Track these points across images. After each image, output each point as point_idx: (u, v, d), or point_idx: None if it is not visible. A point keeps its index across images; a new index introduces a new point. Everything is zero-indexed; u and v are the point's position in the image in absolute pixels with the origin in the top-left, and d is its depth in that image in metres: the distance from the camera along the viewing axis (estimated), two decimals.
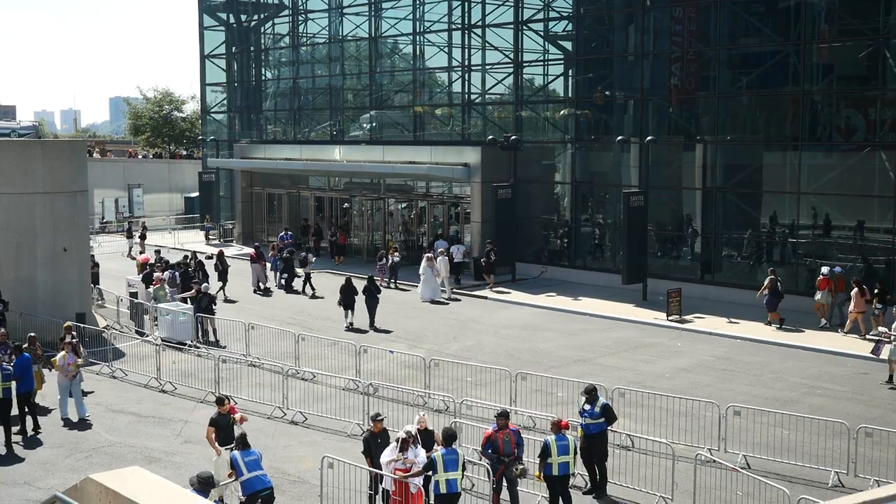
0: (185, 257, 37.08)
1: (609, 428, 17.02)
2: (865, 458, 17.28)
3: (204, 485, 12.75)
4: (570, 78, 41.57)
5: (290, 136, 53.01)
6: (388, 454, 14.91)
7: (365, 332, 30.01)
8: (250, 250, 39.75)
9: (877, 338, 24.29)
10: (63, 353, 21.49)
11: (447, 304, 34.97)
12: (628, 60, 38.80)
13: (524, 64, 41.87)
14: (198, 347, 26.94)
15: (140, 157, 78.56)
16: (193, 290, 30.48)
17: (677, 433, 18.66)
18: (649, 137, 33.88)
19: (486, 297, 35.35)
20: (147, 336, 28.56)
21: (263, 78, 57.04)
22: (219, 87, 58.98)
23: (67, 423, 20.92)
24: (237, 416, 16.78)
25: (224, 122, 58.91)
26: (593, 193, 40.52)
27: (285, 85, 55.01)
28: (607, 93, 39.71)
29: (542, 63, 43.56)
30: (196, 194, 60.07)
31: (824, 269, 29.31)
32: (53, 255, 28.96)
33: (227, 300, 35.13)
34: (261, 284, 37.77)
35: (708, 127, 35.88)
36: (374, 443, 15.50)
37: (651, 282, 33.50)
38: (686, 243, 37.23)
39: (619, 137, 35.84)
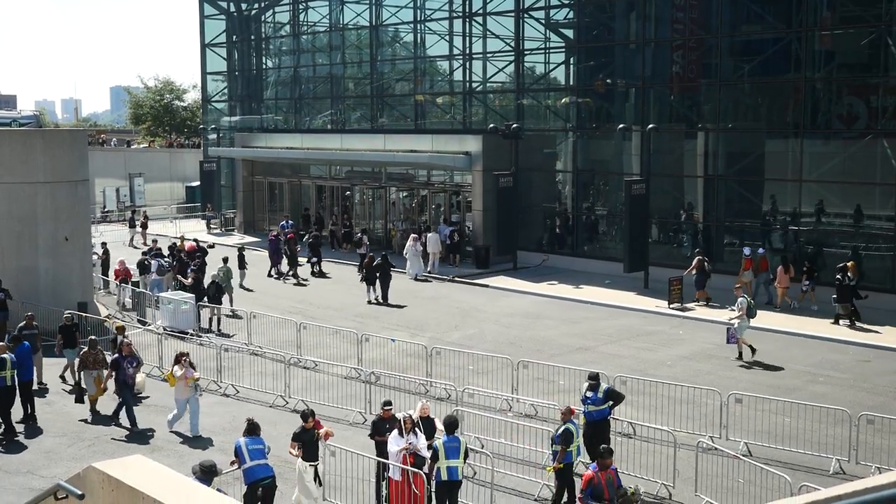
0: (174, 245, 37.42)
1: (611, 415, 17.03)
2: (867, 445, 17.29)
3: (206, 473, 12.77)
4: (571, 66, 41.50)
5: (291, 124, 52.97)
6: (395, 442, 14.95)
7: (379, 304, 32.47)
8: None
9: (727, 325, 25.08)
10: (178, 365, 19.64)
11: (430, 281, 36.41)
12: (630, 48, 38.71)
13: (525, 52, 41.78)
14: (200, 336, 26.98)
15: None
16: (190, 279, 30.74)
17: (679, 421, 18.68)
18: (651, 125, 33.82)
19: (487, 286, 35.39)
20: (149, 325, 28.60)
21: (264, 67, 56.96)
22: (219, 76, 58.89)
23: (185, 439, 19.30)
24: (322, 431, 15.61)
25: (225, 111, 58.85)
26: (595, 182, 40.48)
27: (286, 74, 54.95)
28: (608, 81, 39.62)
29: (543, 51, 43.48)
30: (197, 183, 60.06)
31: (746, 251, 30.99)
32: (55, 244, 28.96)
33: (298, 283, 37.03)
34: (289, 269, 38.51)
35: (709, 115, 35.84)
36: (382, 427, 15.75)
37: (652, 270, 33.47)
38: (687, 231, 37.21)
39: (621, 125, 35.80)
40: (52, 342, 24.07)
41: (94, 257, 34.57)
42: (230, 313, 30.26)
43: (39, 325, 27.09)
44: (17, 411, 20.21)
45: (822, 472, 16.76)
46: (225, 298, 30.79)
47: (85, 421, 20.49)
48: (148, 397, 21.86)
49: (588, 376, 17.30)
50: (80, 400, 21.28)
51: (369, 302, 32.81)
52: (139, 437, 19.46)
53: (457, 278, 36.64)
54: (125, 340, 21.46)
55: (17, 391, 20.14)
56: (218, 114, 59.55)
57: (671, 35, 37.23)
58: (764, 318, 28.81)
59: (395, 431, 15.06)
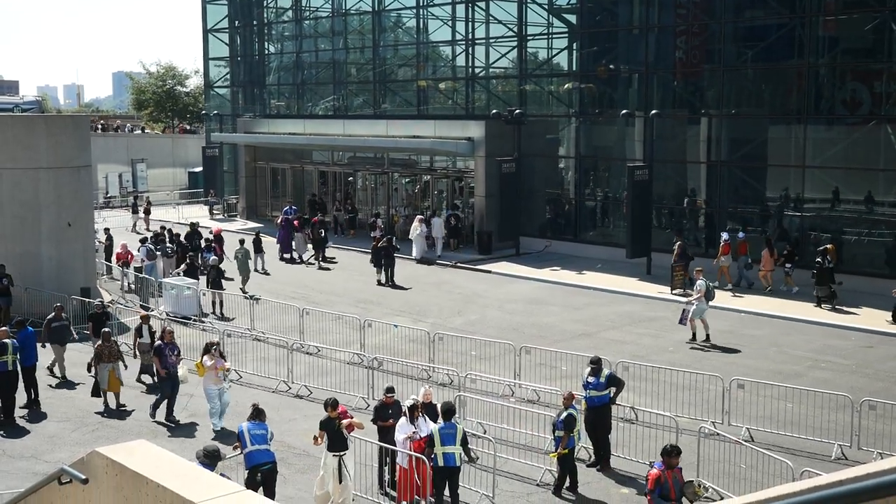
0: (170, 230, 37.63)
1: (615, 400, 17.04)
2: (869, 430, 17.32)
3: (210, 458, 12.81)
4: (574, 51, 41.36)
5: (294, 110, 52.91)
6: (402, 430, 14.95)
7: (384, 286, 33.32)
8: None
9: (683, 306, 25.44)
10: (208, 355, 18.83)
11: (433, 265, 36.89)
12: (633, 34, 38.59)
13: (528, 37, 41.67)
14: (202, 322, 27.02)
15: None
16: (184, 265, 31.20)
17: (681, 406, 18.71)
18: (654, 111, 33.77)
19: (489, 272, 35.42)
20: (152, 310, 28.64)
21: (266, 52, 56.84)
22: (222, 61, 58.77)
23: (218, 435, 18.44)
24: (345, 422, 14.91)
25: (227, 96, 58.79)
26: (597, 167, 40.43)
27: (288, 59, 54.84)
28: (612, 66, 39.52)
29: (546, 36, 43.35)
30: (200, 169, 60.05)
31: (724, 235, 31.47)
32: (58, 229, 28.99)
33: (320, 267, 37.33)
34: (299, 255, 39.03)
35: (713, 100, 35.75)
36: (385, 412, 15.81)
37: (655, 256, 33.44)
38: (690, 217, 37.18)
39: (624, 111, 35.72)
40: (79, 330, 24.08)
41: (97, 243, 34.66)
42: (246, 294, 30.65)
43: (43, 311, 27.18)
44: (20, 397, 20.27)
45: (824, 458, 16.80)
46: (229, 283, 30.94)
47: (101, 414, 20.03)
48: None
49: (590, 361, 17.33)
50: (96, 393, 20.53)
51: (379, 283, 33.47)
52: (142, 422, 19.50)
53: (459, 264, 36.66)
54: (167, 328, 20.90)
55: (20, 376, 20.18)
56: (220, 99, 59.47)
57: (674, 20, 37.12)
58: (759, 303, 28.88)
59: (403, 419, 15.06)
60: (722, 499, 15.00)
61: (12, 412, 19.67)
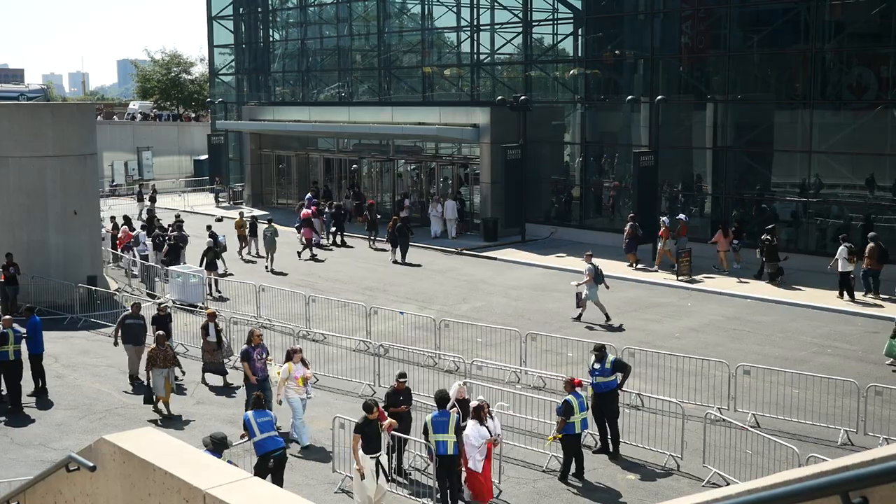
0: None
1: (622, 386, 17.04)
2: (875, 416, 17.30)
3: (217, 445, 12.86)
4: (579, 37, 41.24)
5: (299, 97, 52.87)
6: (476, 435, 14.50)
7: (401, 264, 34.62)
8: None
9: (576, 288, 26.36)
10: (289, 363, 17.46)
11: (452, 238, 38.57)
12: (638, 19, 38.46)
13: (533, 23, 41.55)
14: (208, 309, 27.03)
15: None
16: (165, 248, 31.70)
17: (687, 392, 18.72)
18: (659, 97, 33.68)
19: (495, 258, 35.42)
20: (158, 298, 28.70)
21: (271, 39, 56.77)
22: (227, 48, 58.73)
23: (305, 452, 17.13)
24: (385, 423, 14.57)
25: (232, 83, 58.75)
26: (603, 153, 40.36)
27: (293, 46, 54.76)
28: (617, 52, 39.40)
29: (551, 22, 43.21)
30: (205, 157, 60.09)
31: (665, 220, 32.36)
32: (64, 218, 29.03)
33: (377, 249, 38.16)
34: (319, 240, 39.34)
35: (718, 86, 35.64)
36: (396, 399, 15.85)
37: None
38: (696, 203, 37.12)
39: (629, 97, 35.63)
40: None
41: (104, 231, 34.73)
42: (270, 272, 32.82)
43: (51, 300, 27.27)
44: (28, 385, 20.33)
45: (830, 444, 16.80)
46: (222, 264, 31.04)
47: (155, 423, 18.57)
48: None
49: (594, 348, 17.35)
50: (149, 401, 19.37)
51: (395, 262, 34.79)
52: (148, 410, 19.51)
53: (465, 251, 36.67)
54: (256, 331, 19.04)
55: (24, 365, 20.18)
56: (225, 87, 59.43)
57: (680, 5, 36.99)
58: (765, 290, 28.88)
59: (473, 423, 14.57)
60: (728, 485, 15.03)
61: (19, 401, 19.73)
